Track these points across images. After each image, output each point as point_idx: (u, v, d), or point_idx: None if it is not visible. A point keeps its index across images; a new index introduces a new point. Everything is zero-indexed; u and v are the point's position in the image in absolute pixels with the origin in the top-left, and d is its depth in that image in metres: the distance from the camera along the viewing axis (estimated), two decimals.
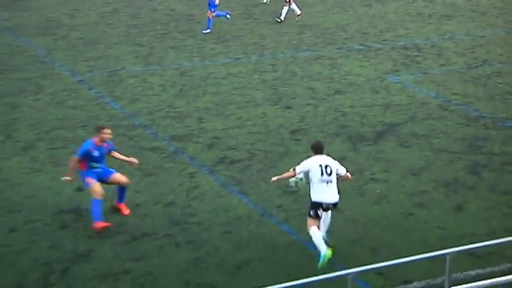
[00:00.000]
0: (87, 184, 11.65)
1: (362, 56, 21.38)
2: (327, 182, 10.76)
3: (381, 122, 16.38)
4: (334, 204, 10.90)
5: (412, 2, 28.40)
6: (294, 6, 24.83)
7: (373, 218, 12.18)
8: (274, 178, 11.15)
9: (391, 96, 17.97)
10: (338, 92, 18.32)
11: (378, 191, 13.14)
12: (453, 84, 19.03)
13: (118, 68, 19.81)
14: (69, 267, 10.60)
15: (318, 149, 11.09)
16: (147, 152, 14.50)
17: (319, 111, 17.01)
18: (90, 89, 18.18)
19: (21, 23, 23.92)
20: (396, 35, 23.64)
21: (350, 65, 20.52)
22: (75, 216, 12.05)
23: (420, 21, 25.59)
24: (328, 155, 11.13)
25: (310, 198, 10.87)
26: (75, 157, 11.66)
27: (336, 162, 11.06)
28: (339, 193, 10.92)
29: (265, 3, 27.51)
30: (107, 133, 11.78)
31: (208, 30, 23.19)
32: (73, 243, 11.24)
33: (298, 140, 15.28)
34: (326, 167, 10.83)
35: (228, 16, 23.88)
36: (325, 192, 10.75)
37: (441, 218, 12.20)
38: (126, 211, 12.11)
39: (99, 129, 11.83)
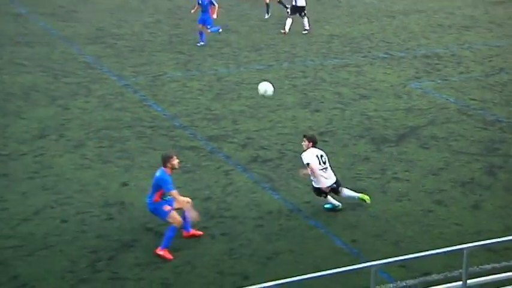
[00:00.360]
0: (166, 213, 10.71)
1: (386, 63, 21.22)
2: (324, 169, 11.82)
3: (403, 125, 16.24)
4: (336, 183, 11.92)
5: (434, 14, 28.11)
6: (305, 20, 24.47)
7: (395, 214, 12.08)
8: (302, 173, 12.04)
9: (412, 101, 17.80)
10: (363, 97, 18.20)
11: (399, 189, 13.03)
12: (471, 90, 18.79)
13: (160, 73, 19.91)
14: (115, 256, 10.69)
15: (315, 142, 12.07)
16: (186, 150, 14.55)
17: (345, 114, 16.91)
18: (135, 92, 18.30)
19: (74, 32, 24.15)
20: (418, 44, 23.42)
21: (375, 72, 20.37)
22: (120, 209, 12.14)
23: (441, 31, 25.32)
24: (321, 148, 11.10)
25: (313, 185, 11.84)
26: (173, 191, 10.64)
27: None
28: (335, 175, 11.98)
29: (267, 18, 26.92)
30: (177, 161, 10.84)
31: (202, 43, 22.60)
32: (118, 234, 11.33)
33: (326, 141, 15.21)
34: (321, 156, 11.85)
35: (220, 31, 23.12)
36: (323, 177, 11.78)
37: (459, 215, 12.06)
38: (198, 233, 11.28)
39: (168, 158, 10.73)
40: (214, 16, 22.66)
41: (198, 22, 22.84)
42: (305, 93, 18.38)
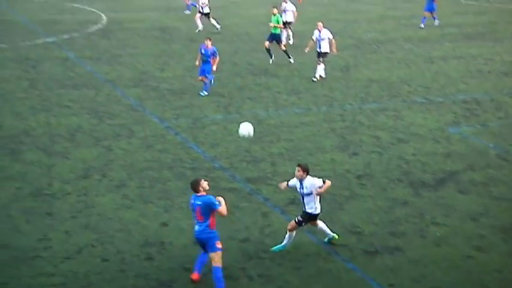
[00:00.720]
0: (217, 248, 10.88)
1: (424, 108, 21.15)
2: None
3: (442, 169, 16.10)
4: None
5: (473, 60, 28.02)
6: (321, 67, 24.02)
7: (433, 259, 11.92)
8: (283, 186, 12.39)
9: (451, 146, 17.67)
10: (401, 141, 18.14)
11: (438, 233, 12.87)
12: (511, 136, 18.57)
13: (201, 116, 20.17)
14: None
15: (309, 171, 12.02)
16: (225, 192, 14.62)
17: (383, 158, 16.86)
18: (176, 134, 18.55)
19: (119, 75, 24.70)
20: (457, 90, 23.32)
21: (413, 116, 20.31)
22: (159, 248, 12.23)
23: (480, 77, 25.20)
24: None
25: (314, 211, 12.00)
26: (220, 208, 10.93)
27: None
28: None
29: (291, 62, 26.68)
30: (206, 182, 11.08)
31: (206, 93, 22.09)
32: (157, 273, 11.40)
33: (364, 184, 15.15)
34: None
35: (213, 81, 22.40)
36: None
37: (499, 262, 11.84)
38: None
39: (198, 183, 10.94)
40: (214, 68, 21.90)
41: (198, 74, 22.19)
42: (343, 137, 18.40)
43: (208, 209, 10.81)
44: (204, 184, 10.99)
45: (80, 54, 27.87)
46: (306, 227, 13.03)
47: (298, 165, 12.04)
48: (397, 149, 17.49)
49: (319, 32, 23.98)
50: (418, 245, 12.37)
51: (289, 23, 30.09)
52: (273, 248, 12.17)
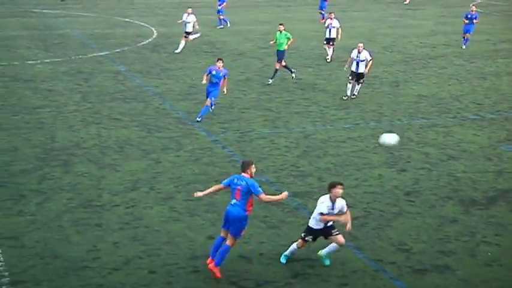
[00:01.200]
0: (239, 236, 11.58)
1: (476, 125, 20.81)
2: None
3: (493, 187, 15.78)
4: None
5: None
6: (358, 87, 23.58)
7: (485, 279, 11.67)
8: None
9: (503, 164, 17.31)
10: (451, 157, 17.86)
11: (489, 253, 12.60)
12: None
13: (248, 129, 20.24)
14: None
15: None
16: (271, 206, 14.62)
17: (432, 175, 16.62)
18: (223, 148, 18.65)
19: (168, 89, 24.99)
20: (510, 107, 22.87)
21: (464, 133, 20.00)
22: (206, 262, 12.26)
23: None
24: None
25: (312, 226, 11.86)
26: (263, 194, 11.39)
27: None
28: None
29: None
30: (254, 169, 11.63)
31: (199, 119, 20.59)
32: (203, 287, 11.42)
33: (412, 201, 14.96)
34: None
35: (214, 106, 21.05)
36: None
37: None
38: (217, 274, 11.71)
39: (248, 165, 11.51)
40: (225, 90, 20.88)
41: (208, 97, 20.69)
42: (392, 153, 18.21)
43: (248, 192, 11.30)
44: (253, 169, 11.51)
45: (130, 68, 28.32)
46: (352, 242, 12.92)
47: (342, 184, 11.80)
48: (446, 166, 17.22)
49: (359, 52, 23.23)
50: (468, 264, 12.13)
51: (333, 39, 29.90)
52: (325, 262, 12.11)
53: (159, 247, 12.82)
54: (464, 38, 33.36)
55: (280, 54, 25.94)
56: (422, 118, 21.54)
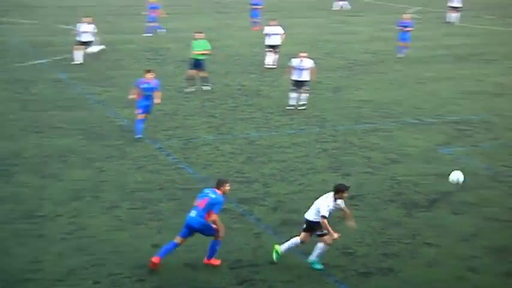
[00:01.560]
0: (214, 229, 12.06)
1: (416, 129, 21.24)
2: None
3: (434, 190, 16.13)
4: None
5: (464, 81, 28.19)
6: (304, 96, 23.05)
7: (426, 280, 11.91)
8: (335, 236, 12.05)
9: (443, 167, 17.72)
10: (393, 161, 18.19)
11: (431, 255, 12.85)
12: (502, 156, 18.67)
13: (193, 137, 20.18)
14: None
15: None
16: None
17: (375, 178, 16.88)
18: (168, 155, 18.53)
19: (111, 96, 24.69)
20: (448, 111, 23.45)
21: (405, 137, 20.39)
22: (151, 270, 12.14)
23: (470, 98, 25.36)
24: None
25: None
26: (217, 215, 12.04)
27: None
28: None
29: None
30: (229, 188, 12.35)
31: (140, 136, 19.47)
32: None
33: (356, 205, 15.15)
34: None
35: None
36: None
37: (492, 283, 11.84)
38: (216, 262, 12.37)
39: (223, 183, 12.27)
40: (159, 101, 19.80)
41: (141, 111, 19.40)
42: (335, 157, 18.43)
43: (211, 206, 11.90)
44: (227, 188, 12.23)
45: (72, 76, 27.87)
46: (298, 247, 13.00)
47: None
48: (389, 170, 17.52)
49: (301, 61, 22.77)
50: (410, 265, 12.36)
51: (277, 46, 29.95)
52: (316, 266, 12.34)
53: (103, 257, 12.63)
54: (400, 46, 33.29)
55: (200, 64, 25.34)
56: (365, 123, 21.87)
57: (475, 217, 14.59)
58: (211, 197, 11.97)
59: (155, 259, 11.99)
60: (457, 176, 13.68)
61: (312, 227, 12.21)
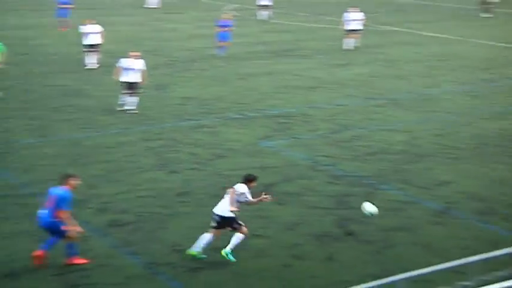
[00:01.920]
0: (67, 231, 11.68)
1: (239, 123, 21.69)
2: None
3: (258, 183, 16.52)
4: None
5: (282, 76, 29.22)
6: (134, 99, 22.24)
7: (255, 271, 12.20)
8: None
9: (265, 160, 18.26)
10: (218, 156, 18.44)
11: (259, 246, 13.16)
12: (320, 147, 19.59)
13: (12, 140, 19.10)
14: None
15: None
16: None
17: (202, 174, 17.02)
18: None
19: None
20: (269, 105, 24.19)
21: (228, 132, 20.75)
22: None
23: (289, 92, 26.35)
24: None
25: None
26: (67, 212, 11.61)
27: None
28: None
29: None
30: (78, 182, 12.03)
31: None
32: None
33: (186, 201, 15.18)
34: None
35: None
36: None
37: (314, 268, 12.38)
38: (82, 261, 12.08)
39: (70, 177, 11.88)
40: None
41: None
42: (161, 155, 18.33)
43: (60, 203, 11.49)
44: (73, 182, 11.82)
45: None
46: (127, 247, 12.78)
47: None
48: (214, 165, 17.74)
49: (131, 61, 21.97)
50: (241, 258, 12.58)
51: (97, 45, 29.10)
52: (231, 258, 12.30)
53: None
54: (220, 46, 33.23)
55: None
56: (189, 119, 21.97)
57: (298, 206, 15.19)
58: (57, 194, 11.64)
59: (39, 253, 11.77)
60: (369, 210, 13.71)
61: (225, 223, 12.31)
